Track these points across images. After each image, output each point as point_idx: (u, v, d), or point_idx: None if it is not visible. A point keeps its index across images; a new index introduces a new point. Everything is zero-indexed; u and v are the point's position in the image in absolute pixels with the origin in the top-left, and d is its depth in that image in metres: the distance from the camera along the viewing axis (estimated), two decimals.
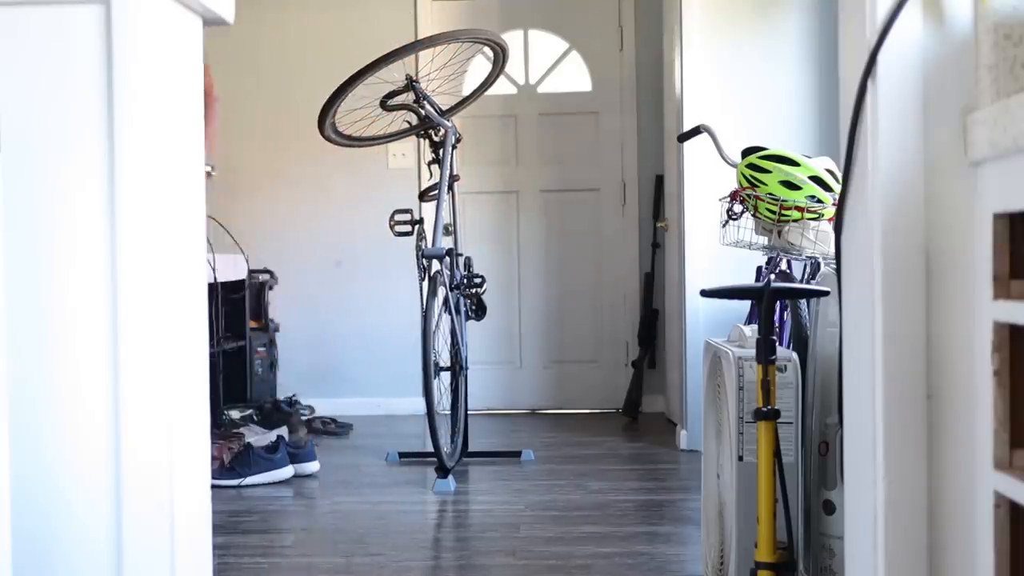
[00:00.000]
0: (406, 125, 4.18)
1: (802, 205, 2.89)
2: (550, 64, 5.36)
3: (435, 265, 3.91)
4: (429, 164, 4.06)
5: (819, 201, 2.90)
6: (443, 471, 3.66)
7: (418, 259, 3.95)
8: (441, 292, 3.85)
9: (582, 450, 4.33)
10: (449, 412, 4.09)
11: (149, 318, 1.44)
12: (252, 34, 5.14)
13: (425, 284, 3.88)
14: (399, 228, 3.95)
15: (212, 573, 1.68)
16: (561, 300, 5.32)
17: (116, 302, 1.43)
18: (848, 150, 1.33)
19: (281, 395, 5.17)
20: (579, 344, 5.31)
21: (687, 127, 3.92)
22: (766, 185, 2.94)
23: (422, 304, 3.86)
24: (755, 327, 2.10)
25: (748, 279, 3.50)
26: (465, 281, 4.12)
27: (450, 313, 3.96)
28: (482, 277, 4.16)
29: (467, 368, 4.12)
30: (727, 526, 2.21)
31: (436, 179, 3.97)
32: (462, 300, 4.10)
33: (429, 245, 3.95)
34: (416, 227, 3.95)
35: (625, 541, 2.95)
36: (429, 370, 3.69)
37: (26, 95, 1.44)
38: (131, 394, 1.43)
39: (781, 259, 3.15)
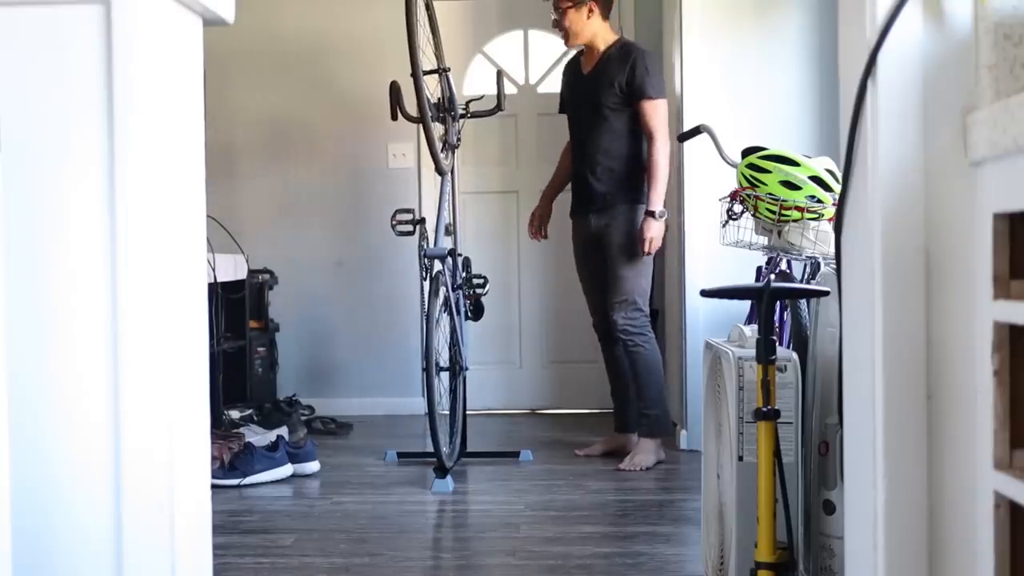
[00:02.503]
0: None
1: (802, 205, 2.89)
2: (550, 64, 5.36)
3: (436, 265, 3.92)
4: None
5: (819, 201, 2.90)
6: (442, 471, 3.66)
7: (420, 259, 3.96)
8: (442, 292, 3.85)
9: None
10: (448, 412, 4.09)
11: (149, 318, 1.44)
12: (252, 34, 5.14)
13: (427, 284, 3.88)
14: (400, 228, 3.95)
15: (212, 573, 1.68)
16: (561, 300, 5.31)
17: (116, 302, 1.43)
18: (848, 150, 1.33)
19: (281, 395, 5.17)
20: (579, 344, 5.29)
21: (687, 127, 3.91)
22: (766, 185, 2.94)
23: (423, 304, 3.85)
24: (755, 327, 2.10)
25: (748, 279, 3.50)
26: (467, 282, 4.13)
27: (450, 313, 3.96)
28: (484, 278, 4.16)
29: (467, 368, 4.12)
30: (727, 526, 2.21)
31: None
32: (462, 300, 4.10)
33: (431, 245, 3.95)
34: (418, 227, 3.95)
35: (625, 541, 2.95)
36: (431, 370, 3.70)
37: (26, 95, 1.44)
38: (131, 394, 1.43)
39: (781, 259, 3.15)
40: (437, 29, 4.14)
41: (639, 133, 3.95)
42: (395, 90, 3.92)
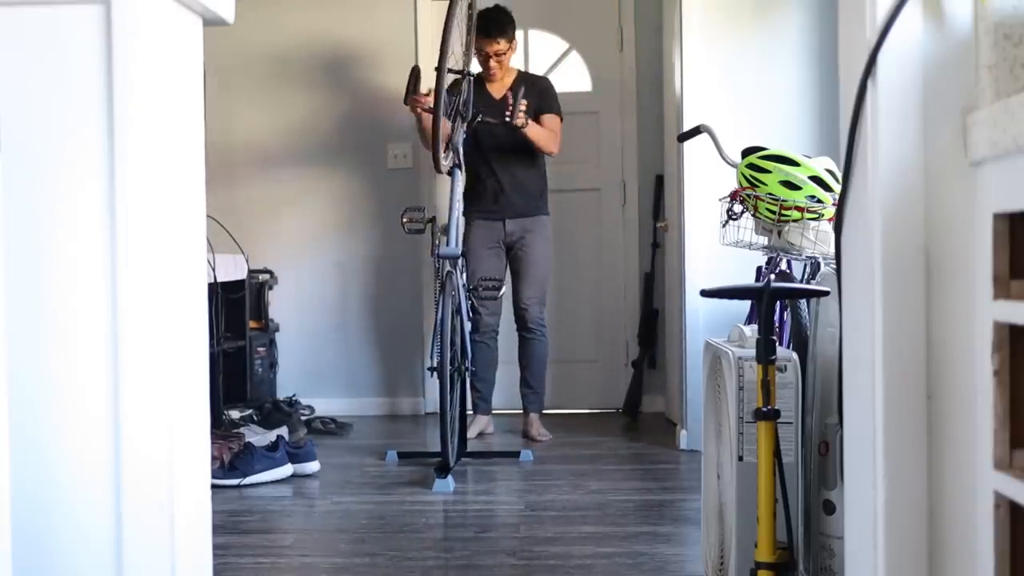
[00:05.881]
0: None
1: (802, 205, 2.89)
2: (550, 64, 5.36)
3: (447, 265, 3.92)
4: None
5: (819, 201, 2.90)
6: (444, 470, 3.66)
7: (434, 260, 3.97)
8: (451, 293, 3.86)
9: (582, 450, 4.33)
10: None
11: (149, 318, 1.44)
12: (252, 34, 5.14)
13: (442, 285, 3.89)
14: (411, 226, 3.95)
15: (212, 573, 1.68)
16: (561, 300, 5.31)
17: (116, 302, 1.43)
18: (848, 150, 1.33)
19: (281, 395, 5.17)
20: (579, 344, 5.30)
21: (687, 127, 3.91)
22: (766, 185, 2.94)
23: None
24: (755, 327, 2.10)
25: (748, 279, 3.50)
26: (482, 284, 4.16)
27: (458, 314, 3.96)
28: (499, 280, 4.21)
29: (472, 369, 4.12)
30: (727, 526, 2.21)
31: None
32: (464, 301, 4.10)
33: (445, 245, 3.95)
34: (428, 226, 3.96)
35: (625, 541, 2.95)
36: (445, 369, 3.71)
37: (26, 95, 1.44)
38: (131, 394, 1.43)
39: (781, 259, 3.15)
40: (473, 31, 4.17)
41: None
42: (415, 74, 3.97)
